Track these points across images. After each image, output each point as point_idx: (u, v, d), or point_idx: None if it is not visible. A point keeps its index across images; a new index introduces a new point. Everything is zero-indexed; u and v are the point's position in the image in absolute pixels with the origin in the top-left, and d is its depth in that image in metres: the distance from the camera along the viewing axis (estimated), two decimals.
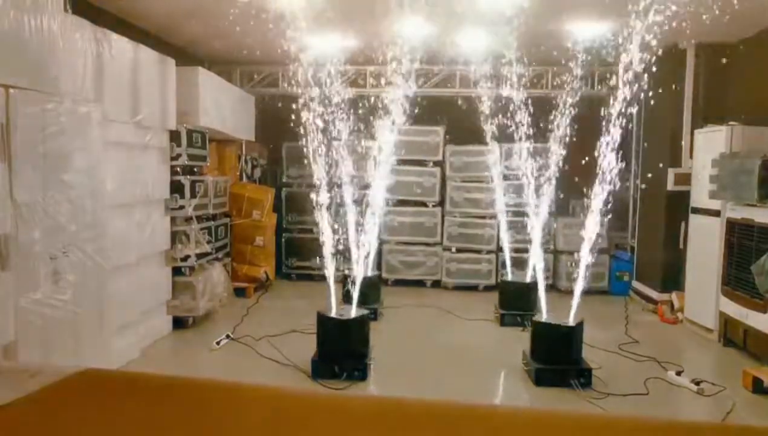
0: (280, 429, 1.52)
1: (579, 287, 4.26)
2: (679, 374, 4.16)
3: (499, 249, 6.95)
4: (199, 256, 5.39)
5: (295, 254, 7.51)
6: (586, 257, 4.21)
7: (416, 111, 5.75)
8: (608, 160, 4.03)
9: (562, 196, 6.56)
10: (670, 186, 6.09)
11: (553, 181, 5.23)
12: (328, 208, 4.37)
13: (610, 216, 4.20)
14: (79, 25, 3.66)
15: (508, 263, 6.35)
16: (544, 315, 4.41)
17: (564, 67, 5.33)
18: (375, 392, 4.02)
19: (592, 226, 4.16)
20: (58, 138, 3.15)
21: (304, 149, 4.30)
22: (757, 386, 3.95)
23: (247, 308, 5.97)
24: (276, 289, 7.04)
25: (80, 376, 1.76)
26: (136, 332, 4.49)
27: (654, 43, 3.75)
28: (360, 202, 5.44)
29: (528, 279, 5.83)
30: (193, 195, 5.26)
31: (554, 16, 5.11)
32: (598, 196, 4.09)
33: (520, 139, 5.67)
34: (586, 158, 4.33)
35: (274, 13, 4.25)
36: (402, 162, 7.14)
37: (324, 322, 4.22)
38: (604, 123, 4.08)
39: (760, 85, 5.40)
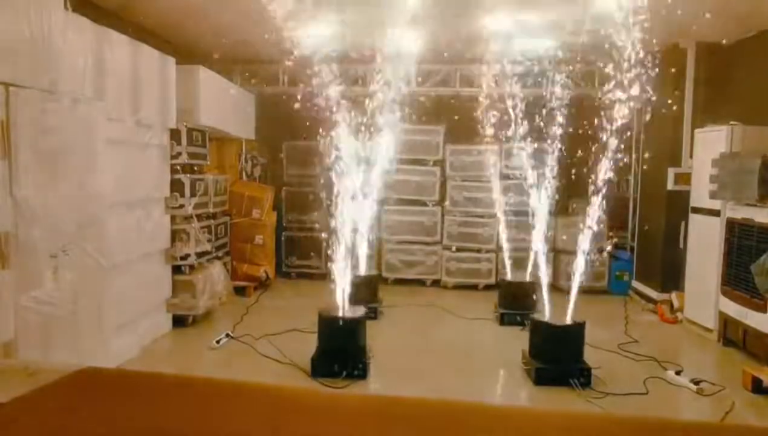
0: (280, 428, 1.52)
1: (576, 286, 4.27)
2: (678, 373, 4.16)
3: (499, 248, 6.95)
4: (199, 254, 5.39)
5: (295, 253, 7.52)
6: (582, 257, 4.22)
7: (409, 110, 5.75)
8: (606, 163, 4.05)
9: (561, 195, 6.56)
10: (670, 186, 6.09)
11: (553, 181, 5.23)
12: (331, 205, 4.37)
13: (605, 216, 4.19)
14: (80, 24, 3.66)
15: (508, 262, 6.35)
16: (545, 314, 4.41)
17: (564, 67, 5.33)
18: (374, 390, 4.02)
19: (591, 226, 4.17)
20: (58, 136, 3.15)
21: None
22: (757, 386, 3.95)
23: (246, 307, 5.97)
24: (276, 288, 7.04)
25: (79, 374, 1.76)
26: (135, 330, 4.49)
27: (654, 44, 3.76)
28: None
29: (528, 278, 5.84)
30: (193, 194, 5.26)
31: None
32: (596, 196, 4.10)
33: (520, 138, 5.67)
34: (586, 157, 4.34)
35: (275, 11, 4.25)
36: (402, 161, 7.14)
37: (323, 321, 4.22)
38: (603, 124, 4.08)
39: (760, 85, 5.39)
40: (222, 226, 6.11)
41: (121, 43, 4.19)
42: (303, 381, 4.04)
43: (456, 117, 6.98)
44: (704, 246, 5.37)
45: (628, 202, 7.42)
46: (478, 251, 7.25)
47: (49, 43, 3.11)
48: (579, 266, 4.22)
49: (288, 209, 7.55)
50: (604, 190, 4.11)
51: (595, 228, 4.19)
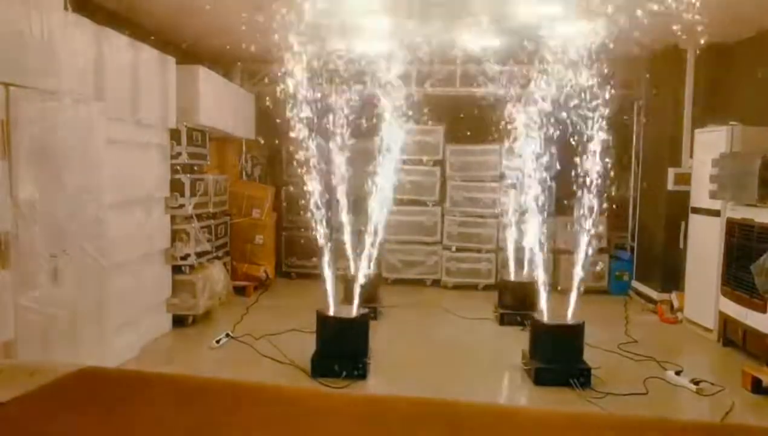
0: (280, 427, 1.52)
1: (577, 286, 4.27)
2: (678, 373, 4.16)
3: (500, 248, 6.95)
4: (199, 254, 5.39)
5: (295, 253, 7.51)
6: (583, 258, 4.22)
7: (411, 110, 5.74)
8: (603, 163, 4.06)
9: (561, 195, 6.56)
10: (670, 186, 6.09)
11: (553, 181, 5.23)
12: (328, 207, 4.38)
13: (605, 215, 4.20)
14: (80, 24, 3.66)
15: (510, 262, 6.35)
16: (544, 314, 4.41)
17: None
18: (374, 390, 4.02)
19: (589, 226, 4.18)
20: (58, 136, 3.15)
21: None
22: (757, 386, 3.95)
23: (246, 307, 5.97)
24: (276, 287, 7.04)
25: (79, 374, 1.76)
26: (135, 330, 4.49)
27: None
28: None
29: (527, 278, 5.83)
30: (194, 193, 5.25)
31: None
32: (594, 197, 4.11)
33: (520, 138, 5.66)
34: (586, 157, 4.33)
35: (275, 10, 4.24)
36: (402, 161, 7.13)
37: (324, 321, 4.22)
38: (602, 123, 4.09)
39: (760, 85, 5.39)
40: (222, 226, 6.11)
41: (121, 43, 4.19)
42: (303, 381, 4.04)
43: (456, 117, 6.97)
44: (704, 246, 5.37)
45: (628, 202, 7.41)
46: (478, 251, 7.25)
47: (49, 43, 3.10)
48: (579, 266, 4.22)
49: (288, 209, 7.54)
50: (603, 191, 4.12)
51: (592, 230, 4.20)
